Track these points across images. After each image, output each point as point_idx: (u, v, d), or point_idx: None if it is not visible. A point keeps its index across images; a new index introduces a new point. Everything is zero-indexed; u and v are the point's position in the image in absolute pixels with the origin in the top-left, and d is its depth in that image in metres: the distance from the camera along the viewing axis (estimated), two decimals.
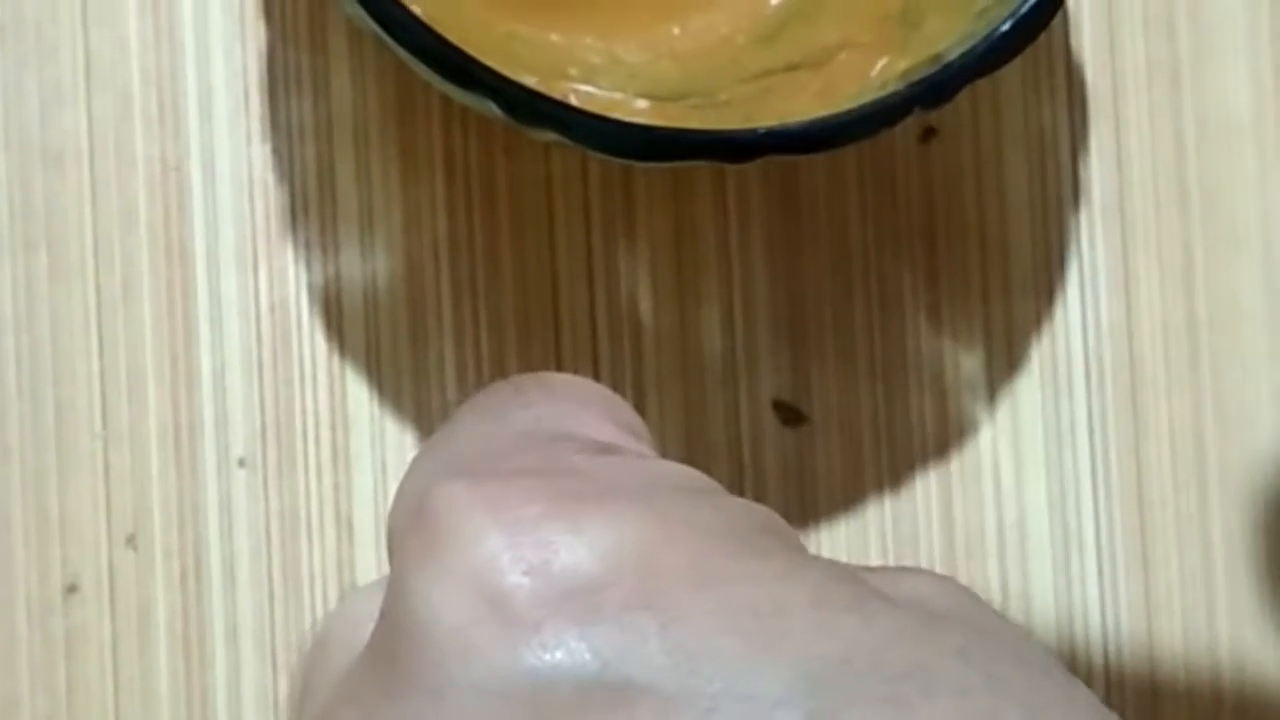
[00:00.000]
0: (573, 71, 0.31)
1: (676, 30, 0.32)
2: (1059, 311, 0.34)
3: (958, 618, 0.20)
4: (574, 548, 0.18)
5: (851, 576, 0.19)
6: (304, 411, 0.33)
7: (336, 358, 0.33)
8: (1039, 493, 0.34)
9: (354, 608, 0.22)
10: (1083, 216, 0.34)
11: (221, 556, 0.32)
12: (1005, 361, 0.34)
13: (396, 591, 0.19)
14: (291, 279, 0.33)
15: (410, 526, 0.20)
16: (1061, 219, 0.34)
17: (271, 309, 0.33)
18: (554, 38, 0.32)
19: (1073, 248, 0.34)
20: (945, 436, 0.34)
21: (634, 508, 0.19)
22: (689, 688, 0.17)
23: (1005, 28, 0.28)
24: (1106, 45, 0.34)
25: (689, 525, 0.19)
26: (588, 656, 0.18)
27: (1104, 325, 0.34)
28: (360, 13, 0.26)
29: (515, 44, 0.31)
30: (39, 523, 0.32)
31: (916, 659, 0.18)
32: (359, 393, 0.33)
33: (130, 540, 0.32)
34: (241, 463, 0.32)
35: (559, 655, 0.18)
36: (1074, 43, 0.34)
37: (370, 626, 0.20)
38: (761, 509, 0.21)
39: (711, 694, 0.17)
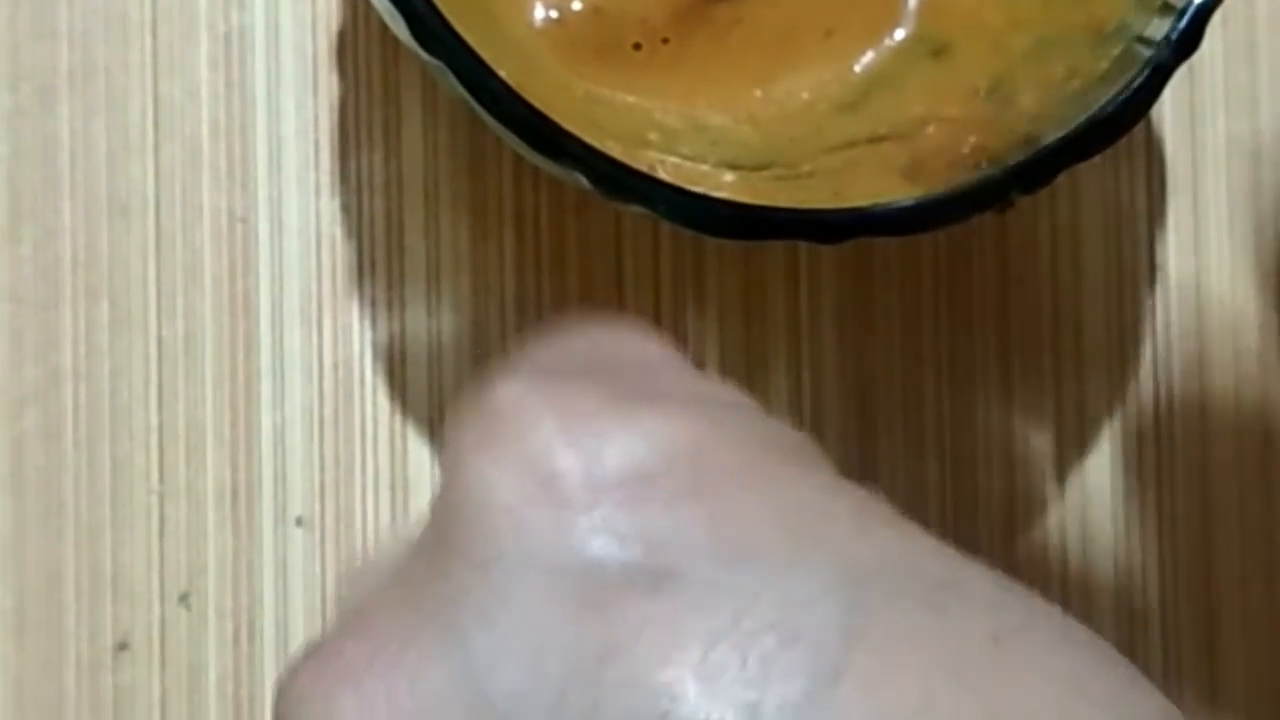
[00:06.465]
0: (653, 136, 0.30)
1: (758, 93, 0.31)
2: (1131, 390, 0.34)
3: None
4: (627, 439, 0.19)
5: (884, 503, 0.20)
6: (364, 471, 0.32)
7: (399, 417, 0.32)
8: (1106, 573, 0.33)
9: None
10: (1158, 294, 0.34)
11: (276, 617, 0.32)
12: (1075, 439, 0.34)
13: (450, 474, 0.20)
14: (356, 336, 0.32)
15: (467, 420, 0.20)
16: (1137, 296, 0.34)
17: (335, 366, 0.32)
18: (633, 100, 0.31)
19: (1147, 325, 0.34)
20: (1012, 514, 0.33)
21: (686, 410, 0.20)
22: (733, 577, 0.18)
23: (1108, 111, 0.27)
24: (1187, 121, 0.34)
25: (738, 431, 0.20)
26: (635, 541, 0.18)
27: (1176, 405, 0.34)
28: (451, 80, 0.26)
29: (594, 106, 0.30)
30: (91, 578, 0.31)
31: (951, 574, 0.19)
32: (420, 453, 0.32)
33: (183, 599, 0.32)
34: (299, 522, 0.32)
35: (607, 538, 0.18)
36: (1154, 118, 0.34)
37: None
38: (800, 434, 0.22)
39: (755, 584, 0.18)
